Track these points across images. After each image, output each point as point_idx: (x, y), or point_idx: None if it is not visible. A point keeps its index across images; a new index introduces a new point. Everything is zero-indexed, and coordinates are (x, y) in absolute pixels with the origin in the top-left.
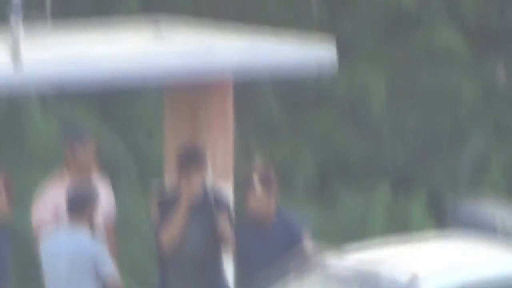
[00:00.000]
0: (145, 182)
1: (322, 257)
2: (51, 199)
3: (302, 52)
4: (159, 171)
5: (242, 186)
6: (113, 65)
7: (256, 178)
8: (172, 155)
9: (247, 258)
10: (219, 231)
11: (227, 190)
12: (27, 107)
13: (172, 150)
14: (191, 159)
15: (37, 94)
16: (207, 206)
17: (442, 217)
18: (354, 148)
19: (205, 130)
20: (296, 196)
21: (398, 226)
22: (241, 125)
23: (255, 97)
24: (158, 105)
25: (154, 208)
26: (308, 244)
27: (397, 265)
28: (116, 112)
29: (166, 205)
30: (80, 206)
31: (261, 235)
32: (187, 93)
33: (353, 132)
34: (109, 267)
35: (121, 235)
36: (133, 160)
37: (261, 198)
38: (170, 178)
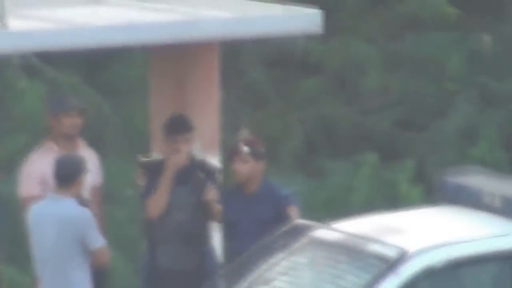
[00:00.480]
0: (131, 148)
1: (308, 231)
2: (37, 169)
3: (288, 20)
4: (145, 138)
5: (229, 154)
6: (100, 30)
7: (243, 146)
8: (157, 122)
9: (232, 224)
10: (205, 199)
11: (214, 158)
12: (12, 72)
13: (157, 117)
14: (178, 127)
15: (22, 58)
16: (193, 173)
17: (429, 189)
18: (341, 118)
19: (190, 98)
20: (283, 165)
21: (385, 197)
22: (228, 94)
23: (242, 66)
24: (144, 71)
25: (140, 175)
26: (294, 214)
27: (385, 240)
28: (102, 77)
29: (152, 173)
30: (67, 176)
31: (247, 202)
32: (173, 60)
33: (341, 102)
34: (97, 238)
35: (107, 205)
36: (119, 126)
37: (247, 165)
38: (156, 144)
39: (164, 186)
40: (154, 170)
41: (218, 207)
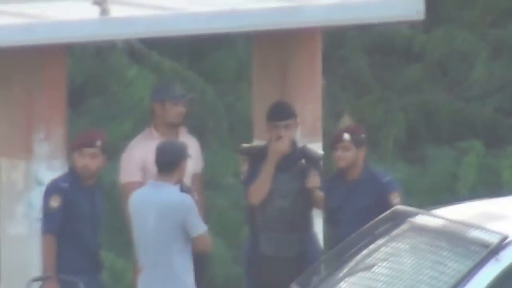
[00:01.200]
0: (234, 135)
1: (409, 217)
2: (138, 156)
3: (390, 6)
4: (248, 125)
5: (331, 141)
6: (203, 16)
7: (344, 133)
8: (260, 109)
9: (334, 211)
10: (307, 186)
11: (316, 145)
12: (118, 58)
13: (260, 104)
14: (279, 114)
15: (125, 44)
16: (296, 160)
17: None
18: (443, 105)
19: (293, 85)
20: (385, 152)
21: (489, 185)
22: (330, 81)
23: (344, 53)
24: (247, 58)
25: (242, 162)
26: (396, 201)
27: (486, 226)
28: (204, 64)
29: (255, 159)
30: (168, 163)
31: (349, 189)
32: (276, 46)
33: (442, 89)
34: (199, 224)
35: (209, 191)
36: (223, 113)
37: (349, 153)
38: (258, 131)
39: (266, 173)
40: (257, 157)
41: (320, 194)
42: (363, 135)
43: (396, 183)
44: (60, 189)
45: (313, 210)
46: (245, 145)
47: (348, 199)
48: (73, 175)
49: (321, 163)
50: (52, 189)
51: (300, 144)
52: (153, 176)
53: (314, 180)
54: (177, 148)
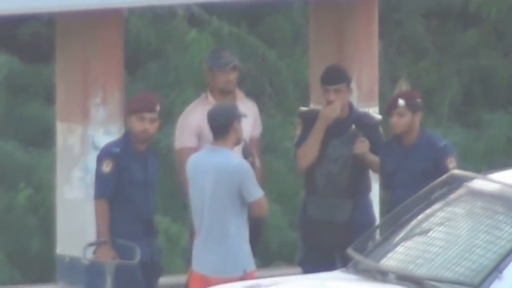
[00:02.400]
0: (292, 98)
1: (465, 181)
2: (193, 121)
3: None
4: (305, 89)
5: (387, 107)
6: None
7: (399, 99)
8: (316, 73)
9: (390, 175)
10: (355, 153)
11: (373, 110)
12: (179, 23)
13: (316, 68)
14: (330, 78)
15: (186, 10)
16: (349, 126)
17: None
18: (499, 69)
19: (349, 49)
20: (440, 116)
21: None
22: (386, 45)
23: (401, 17)
24: (303, 22)
25: (298, 126)
26: (452, 165)
27: None
28: (261, 28)
29: (309, 123)
30: (220, 127)
31: (405, 153)
32: (332, 10)
33: (498, 54)
34: (255, 190)
35: (267, 155)
36: (282, 76)
37: (404, 118)
38: (315, 95)
39: (313, 137)
40: (311, 121)
41: (372, 159)
42: (418, 100)
43: (452, 148)
44: (112, 153)
45: (366, 177)
46: (302, 108)
47: (404, 163)
48: (126, 140)
49: (379, 128)
50: (104, 154)
51: (357, 109)
52: (209, 141)
53: (361, 146)
54: (227, 110)
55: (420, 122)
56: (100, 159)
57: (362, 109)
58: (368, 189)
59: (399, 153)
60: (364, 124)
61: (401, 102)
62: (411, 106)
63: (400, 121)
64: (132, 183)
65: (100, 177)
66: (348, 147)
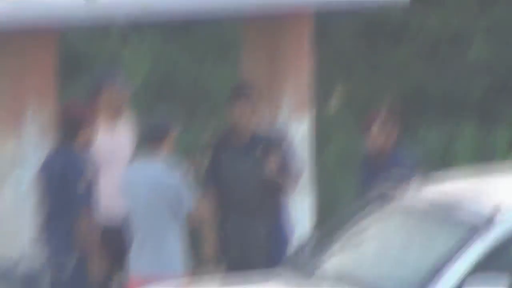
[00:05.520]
0: (210, 115)
1: (403, 187)
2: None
3: None
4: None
5: (365, 123)
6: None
7: (379, 118)
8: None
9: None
10: (267, 174)
11: (303, 124)
12: (106, 39)
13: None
14: (238, 96)
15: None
16: (255, 147)
17: None
18: (432, 83)
19: (282, 63)
20: None
21: (482, 161)
22: (319, 59)
23: (333, 32)
24: (236, 35)
25: (207, 150)
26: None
27: (479, 197)
28: (194, 42)
29: (217, 148)
30: (156, 137)
31: (376, 171)
32: (265, 24)
33: (431, 68)
34: (190, 200)
35: None
36: (205, 90)
37: (379, 136)
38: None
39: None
40: (219, 146)
41: (291, 177)
42: (394, 120)
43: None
44: None
45: (279, 199)
46: (213, 127)
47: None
48: None
49: (289, 144)
50: None
51: (268, 123)
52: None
53: (271, 166)
54: (165, 122)
55: (393, 139)
56: None
57: (276, 124)
58: (279, 210)
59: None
60: (274, 141)
61: (379, 118)
62: (386, 123)
63: (374, 138)
64: None
65: None
66: (258, 167)
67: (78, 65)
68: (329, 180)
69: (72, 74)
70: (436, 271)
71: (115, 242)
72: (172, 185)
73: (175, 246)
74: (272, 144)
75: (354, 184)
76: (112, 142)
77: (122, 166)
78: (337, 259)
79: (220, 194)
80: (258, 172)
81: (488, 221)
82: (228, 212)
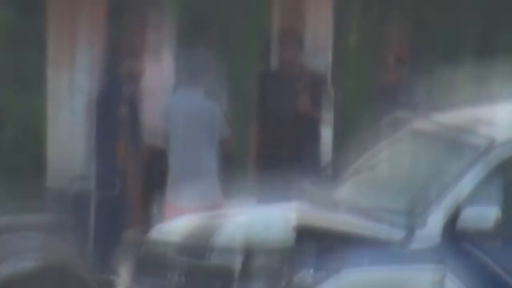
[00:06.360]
0: (252, 50)
1: (410, 121)
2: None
3: None
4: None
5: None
6: None
7: (395, 51)
8: (276, 27)
9: None
10: (304, 104)
11: (326, 61)
12: None
13: (277, 21)
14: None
15: None
16: (299, 78)
17: None
18: (436, 21)
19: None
20: None
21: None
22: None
23: None
24: None
25: (256, 80)
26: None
27: (476, 130)
28: None
29: (266, 79)
30: (195, 72)
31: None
32: None
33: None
34: (225, 130)
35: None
36: (241, 28)
37: (394, 69)
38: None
39: None
40: (268, 77)
41: (318, 110)
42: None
43: None
44: None
45: (313, 129)
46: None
47: None
48: None
49: (326, 78)
50: None
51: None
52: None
53: (306, 98)
54: (203, 58)
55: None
56: None
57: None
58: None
59: None
60: (313, 75)
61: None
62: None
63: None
64: None
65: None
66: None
67: (125, 3)
68: (348, 111)
69: (120, 12)
70: (440, 192)
71: (158, 166)
72: (208, 111)
73: (212, 175)
74: (315, 79)
75: (370, 114)
76: (156, 73)
77: (166, 94)
78: (352, 182)
79: (265, 124)
80: (299, 104)
81: (490, 143)
82: (270, 143)
